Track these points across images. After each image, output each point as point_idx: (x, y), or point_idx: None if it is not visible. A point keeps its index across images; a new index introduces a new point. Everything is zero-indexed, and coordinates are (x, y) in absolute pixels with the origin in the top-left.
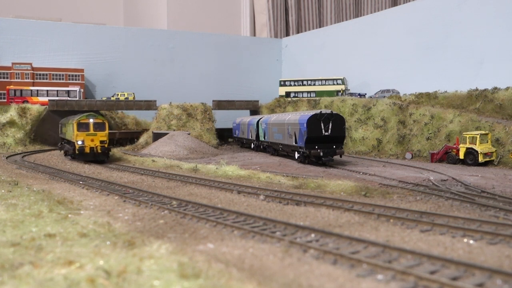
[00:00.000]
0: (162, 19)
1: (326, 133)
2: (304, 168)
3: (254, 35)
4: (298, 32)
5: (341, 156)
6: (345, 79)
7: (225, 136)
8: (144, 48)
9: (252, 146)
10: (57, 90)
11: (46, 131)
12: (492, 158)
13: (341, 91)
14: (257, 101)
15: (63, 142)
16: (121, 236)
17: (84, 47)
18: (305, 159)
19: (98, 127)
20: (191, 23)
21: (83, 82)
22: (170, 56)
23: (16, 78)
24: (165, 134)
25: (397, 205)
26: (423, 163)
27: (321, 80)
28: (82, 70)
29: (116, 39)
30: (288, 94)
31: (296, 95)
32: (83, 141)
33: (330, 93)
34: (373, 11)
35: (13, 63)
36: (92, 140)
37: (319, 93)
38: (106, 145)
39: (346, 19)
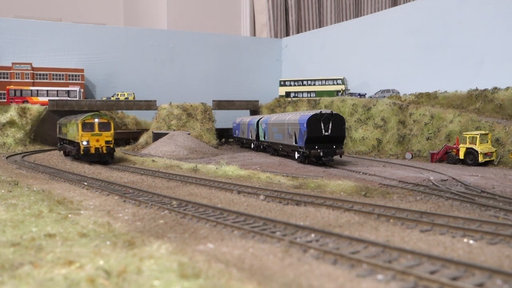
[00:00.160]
0: (162, 19)
1: (326, 133)
2: (304, 168)
3: (254, 35)
4: (298, 32)
5: (341, 156)
6: (345, 79)
7: (225, 136)
8: (144, 48)
9: (252, 146)
10: (57, 90)
11: (46, 131)
12: (492, 158)
13: (341, 91)
14: (257, 101)
15: (63, 143)
16: (121, 236)
17: (84, 47)
18: (305, 159)
19: (104, 127)
20: (191, 23)
21: (83, 82)
22: (170, 56)
23: (16, 78)
24: (165, 134)
25: (397, 205)
26: (423, 163)
27: (321, 80)
28: (82, 70)
29: (116, 39)
30: (288, 94)
31: (296, 95)
32: (88, 142)
33: (330, 93)
34: (373, 11)
35: (13, 63)
36: (98, 141)
37: (319, 93)
38: (111, 145)
39: (346, 19)
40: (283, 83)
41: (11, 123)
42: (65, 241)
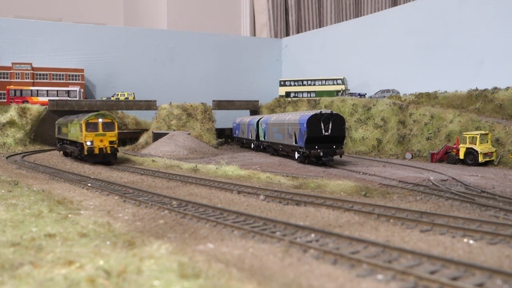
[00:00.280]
0: (162, 19)
1: (326, 133)
2: (304, 168)
3: (254, 35)
4: (298, 32)
5: (341, 156)
6: (345, 79)
7: (225, 136)
8: (144, 48)
9: (252, 146)
10: (57, 90)
11: (46, 131)
12: (492, 158)
13: (341, 91)
14: (257, 101)
15: (62, 143)
16: (121, 236)
17: (84, 47)
18: (305, 159)
19: (107, 126)
20: (191, 23)
21: (83, 82)
22: (170, 56)
23: (16, 78)
24: (165, 134)
25: (397, 205)
26: (423, 163)
27: (321, 80)
28: (82, 70)
29: (116, 39)
30: (288, 94)
31: (296, 95)
32: (92, 142)
33: (330, 93)
34: (373, 11)
35: (13, 63)
36: (101, 141)
37: (319, 93)
38: (115, 146)
39: (346, 19)
40: (283, 83)
41: (11, 123)
42: (65, 241)
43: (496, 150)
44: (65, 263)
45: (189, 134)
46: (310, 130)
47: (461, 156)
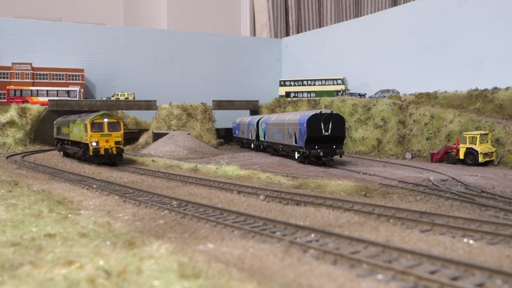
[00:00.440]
0: (162, 19)
1: (326, 133)
2: (304, 168)
3: (254, 35)
4: (298, 32)
5: (341, 156)
6: (345, 79)
7: (225, 136)
8: (144, 48)
9: (252, 146)
10: (57, 90)
11: (46, 131)
12: (492, 158)
13: (341, 91)
14: (257, 101)
15: (62, 143)
16: (121, 236)
17: (84, 47)
18: (305, 159)
19: (113, 126)
20: (191, 23)
21: (83, 82)
22: (170, 56)
23: (16, 78)
24: (165, 134)
25: (397, 205)
26: (423, 163)
27: (321, 80)
28: (82, 70)
29: (116, 39)
30: (288, 94)
31: (296, 95)
32: (97, 142)
33: (330, 93)
34: (373, 11)
35: (13, 63)
36: (107, 141)
37: (319, 93)
38: (121, 146)
39: (346, 19)
40: (283, 83)
41: (11, 123)
42: (65, 241)
43: (496, 150)
44: (65, 263)
45: (189, 134)
46: (310, 130)
47: (461, 156)
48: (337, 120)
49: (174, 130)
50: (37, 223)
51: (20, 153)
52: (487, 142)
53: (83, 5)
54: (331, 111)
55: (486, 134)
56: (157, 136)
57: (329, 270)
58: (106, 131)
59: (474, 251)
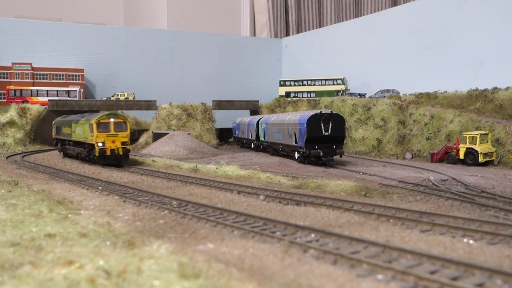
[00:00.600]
0: (162, 19)
1: (326, 133)
2: (304, 168)
3: (254, 35)
4: (298, 32)
5: (341, 156)
6: (345, 79)
7: (225, 136)
8: (144, 48)
9: (252, 146)
10: (57, 90)
11: (46, 131)
12: (492, 158)
13: (341, 91)
14: (257, 101)
15: (63, 144)
16: (121, 236)
17: (84, 47)
18: (305, 159)
19: (119, 126)
20: (191, 23)
21: (83, 82)
22: (170, 56)
23: (16, 78)
24: (165, 134)
25: (397, 205)
26: (423, 163)
27: (321, 80)
28: (82, 70)
29: (116, 39)
30: (288, 94)
31: (296, 95)
32: (103, 143)
33: (330, 93)
34: (373, 11)
35: (13, 63)
36: (113, 142)
37: (319, 93)
38: (128, 147)
39: (346, 19)
40: (283, 83)
41: (11, 123)
42: (65, 241)
43: (496, 150)
44: (65, 263)
45: (189, 134)
46: (310, 130)
47: (461, 156)
48: (337, 120)
49: (174, 130)
50: (37, 223)
51: (20, 153)
52: (487, 142)
53: (83, 5)
54: (331, 111)
55: (486, 134)
56: (157, 136)
57: (329, 270)
58: (112, 131)
59: (474, 251)
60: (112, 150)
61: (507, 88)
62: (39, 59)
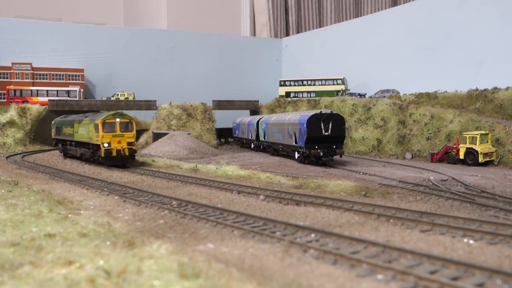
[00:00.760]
0: (162, 19)
1: (326, 133)
2: (304, 168)
3: (254, 35)
4: (298, 32)
5: (341, 156)
6: (345, 79)
7: (225, 136)
8: (144, 48)
9: (252, 146)
10: (57, 90)
11: (46, 131)
12: (492, 158)
13: (341, 91)
14: (257, 101)
15: (64, 144)
16: (121, 236)
17: (84, 47)
18: (305, 159)
19: (125, 127)
20: (191, 23)
21: (83, 82)
22: (170, 56)
23: (16, 78)
24: (165, 134)
25: (397, 205)
26: (423, 163)
27: (321, 80)
28: (82, 70)
29: (116, 39)
30: (288, 94)
31: (296, 95)
32: (109, 143)
33: (330, 93)
34: (373, 11)
35: (13, 63)
36: (119, 142)
37: (319, 93)
38: (134, 147)
39: (346, 19)
40: (283, 83)
41: (11, 123)
42: (65, 241)
43: (496, 150)
44: (65, 263)
45: (189, 134)
46: (310, 130)
47: (461, 156)
48: (337, 120)
49: (174, 130)
50: (37, 223)
51: (20, 153)
52: (487, 142)
53: (83, 5)
54: (331, 111)
55: (486, 134)
56: (157, 136)
57: (329, 270)
58: (118, 132)
59: (474, 251)
60: (118, 151)
61: (507, 88)
62: (39, 59)
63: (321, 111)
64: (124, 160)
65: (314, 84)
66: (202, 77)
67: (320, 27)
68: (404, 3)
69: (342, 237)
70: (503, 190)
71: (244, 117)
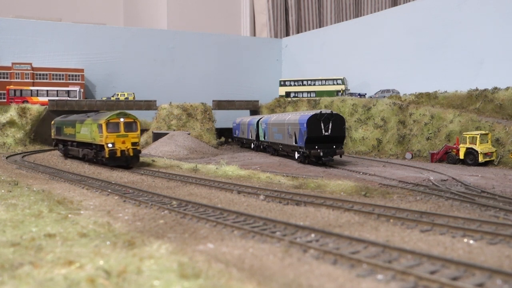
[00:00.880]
0: (162, 19)
1: (326, 133)
2: (304, 168)
3: (254, 35)
4: (298, 32)
5: (341, 156)
6: (345, 79)
7: (225, 136)
8: (144, 48)
9: (252, 146)
10: (57, 90)
11: (46, 131)
12: (492, 158)
13: (341, 91)
14: (257, 101)
15: (65, 145)
16: (121, 236)
17: (84, 47)
18: (305, 159)
19: (129, 127)
20: (191, 23)
21: (83, 82)
22: (170, 56)
23: (16, 78)
24: (165, 134)
25: (397, 205)
26: (423, 163)
27: (321, 80)
28: (82, 70)
29: (116, 39)
30: (288, 94)
31: (296, 95)
32: (113, 144)
33: (330, 93)
34: (373, 11)
35: (13, 63)
36: (123, 142)
37: (319, 93)
38: (138, 147)
39: (346, 19)
40: (283, 83)
41: (11, 123)
42: (65, 241)
43: (496, 150)
44: (65, 263)
45: (189, 134)
46: (310, 130)
47: (461, 156)
48: (337, 120)
49: (174, 130)
50: (37, 223)
51: (20, 153)
52: (487, 142)
53: (83, 5)
54: (331, 111)
55: (486, 134)
56: (157, 136)
57: (329, 270)
58: (122, 132)
59: (474, 251)
60: (122, 151)
61: (507, 88)
62: (39, 59)
63: (321, 111)
64: (129, 161)
65: (314, 84)
66: (202, 77)
67: (320, 27)
68: (404, 3)
69: (342, 237)
70: (503, 190)
71: (244, 117)
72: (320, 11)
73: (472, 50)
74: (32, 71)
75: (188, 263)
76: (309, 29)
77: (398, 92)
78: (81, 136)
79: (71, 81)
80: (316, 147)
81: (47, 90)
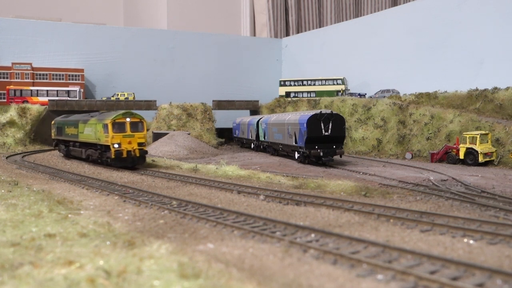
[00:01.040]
0: (162, 19)
1: (326, 133)
2: (304, 168)
3: (254, 35)
4: (298, 32)
5: (341, 156)
6: (345, 79)
7: (225, 136)
8: (144, 48)
9: (252, 146)
10: (57, 90)
11: (46, 131)
12: (492, 158)
13: (341, 91)
14: (257, 101)
15: (67, 145)
16: (121, 236)
17: (84, 47)
18: (305, 159)
19: (135, 126)
20: (191, 23)
21: (83, 82)
22: (170, 56)
23: (16, 78)
24: (165, 134)
25: (397, 205)
26: (423, 163)
27: (321, 80)
28: (82, 70)
29: (116, 39)
30: (288, 94)
31: (296, 95)
32: (119, 144)
33: (330, 93)
34: (373, 11)
35: (13, 63)
36: (130, 143)
37: (319, 93)
38: (144, 148)
39: (346, 19)
40: (283, 83)
41: (11, 123)
42: (65, 241)
43: (496, 150)
44: (65, 263)
45: (189, 134)
46: (310, 130)
47: (461, 156)
48: (337, 120)
49: (174, 130)
50: (37, 223)
51: (20, 153)
52: (487, 142)
53: (83, 5)
54: (331, 111)
55: (486, 134)
56: (157, 136)
57: (329, 270)
58: (128, 132)
59: (474, 251)
60: (128, 152)
61: (507, 88)
62: (39, 59)
63: (321, 111)
64: (135, 162)
65: (314, 84)
66: (202, 77)
67: (320, 27)
68: (404, 3)
69: (342, 237)
70: (503, 190)
71: (244, 117)
72: (320, 11)
73: (472, 50)
74: (32, 71)
75: (188, 263)
76: (309, 29)
77: (398, 92)
78: (84, 137)
79: (71, 81)
80: (316, 147)
81: (47, 90)
